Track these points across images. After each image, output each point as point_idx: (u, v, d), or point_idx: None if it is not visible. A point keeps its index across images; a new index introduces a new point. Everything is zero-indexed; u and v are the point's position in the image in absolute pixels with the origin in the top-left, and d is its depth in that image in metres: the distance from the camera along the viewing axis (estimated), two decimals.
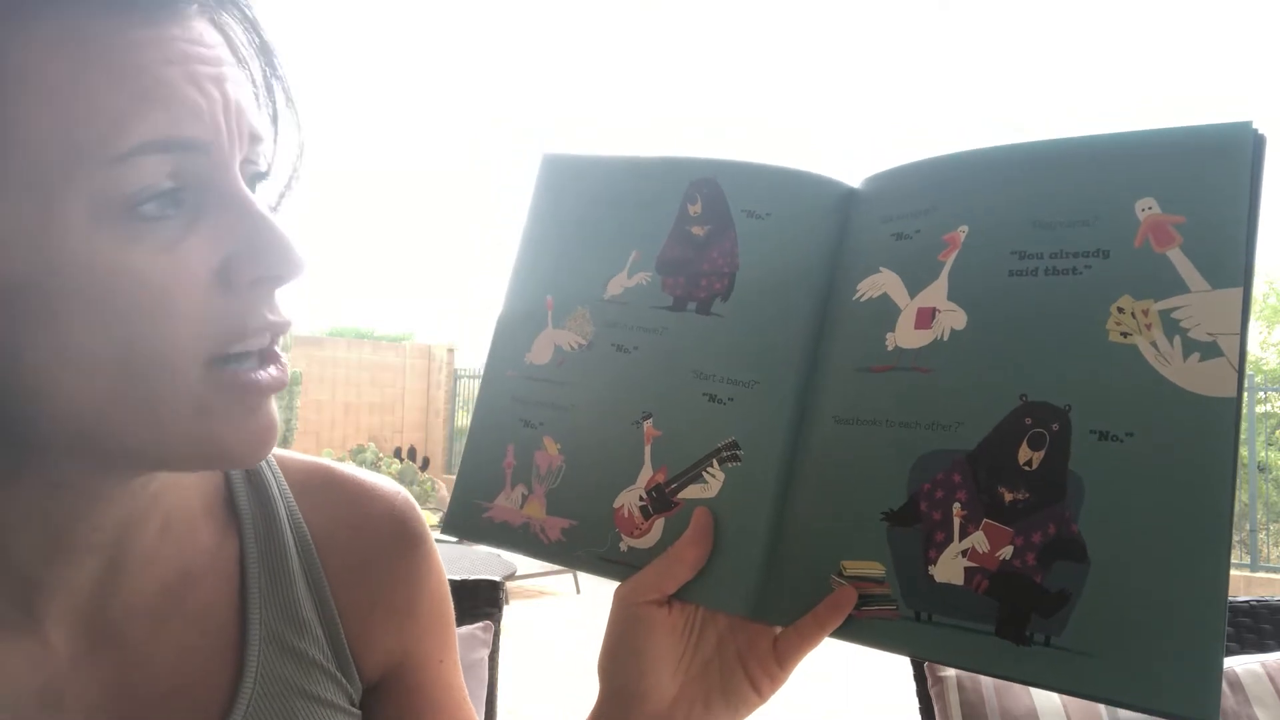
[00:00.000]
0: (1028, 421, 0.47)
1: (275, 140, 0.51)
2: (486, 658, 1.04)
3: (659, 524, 0.57)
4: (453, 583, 1.09)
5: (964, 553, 0.48)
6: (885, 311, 0.53)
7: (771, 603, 0.54)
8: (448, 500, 0.69)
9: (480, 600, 1.07)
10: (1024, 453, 0.47)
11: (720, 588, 0.55)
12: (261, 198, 0.48)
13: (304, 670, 0.56)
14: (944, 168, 0.53)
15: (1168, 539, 0.42)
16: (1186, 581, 0.41)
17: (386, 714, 0.61)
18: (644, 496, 0.58)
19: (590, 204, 0.64)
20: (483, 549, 5.73)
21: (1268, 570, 6.60)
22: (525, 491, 0.62)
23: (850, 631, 0.51)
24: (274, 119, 0.50)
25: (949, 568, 0.48)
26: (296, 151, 0.52)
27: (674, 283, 0.60)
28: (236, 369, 0.45)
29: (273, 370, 0.46)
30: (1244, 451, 6.73)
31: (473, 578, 1.10)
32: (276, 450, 0.61)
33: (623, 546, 0.58)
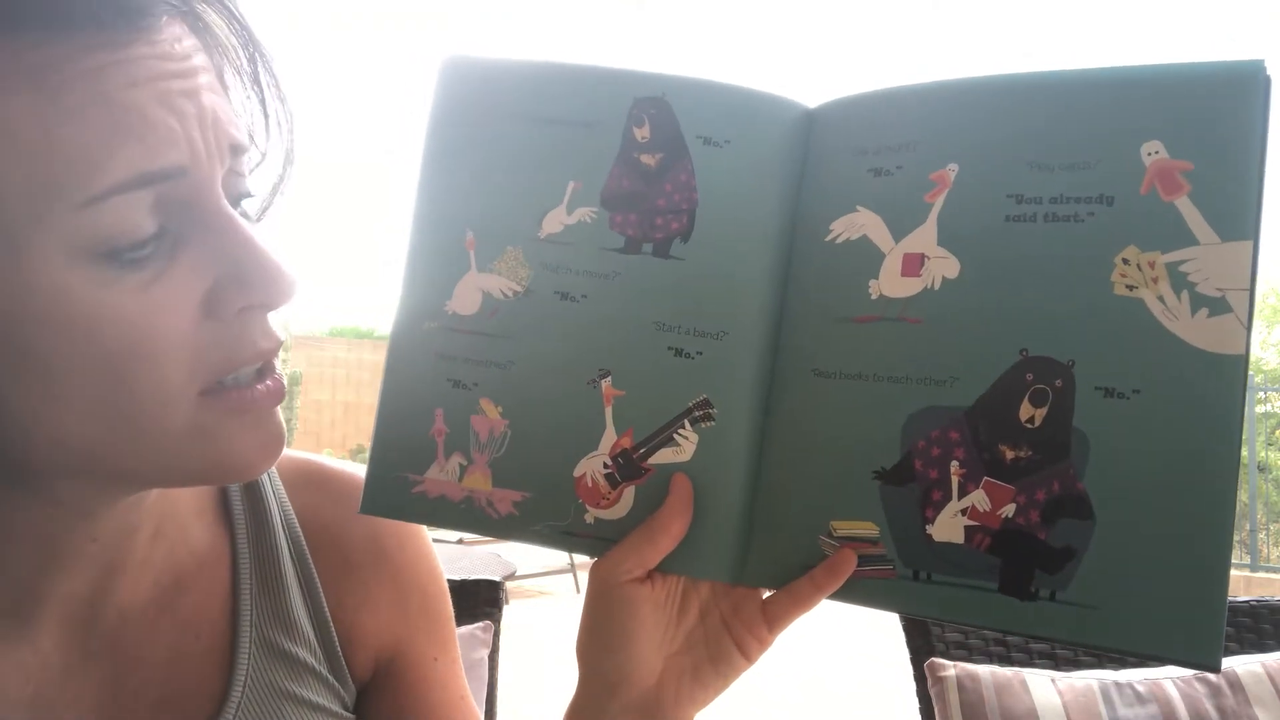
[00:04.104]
0: (1029, 377, 0.46)
1: (267, 130, 0.46)
2: (486, 658, 1.03)
3: (629, 493, 0.52)
4: (452, 583, 1.04)
5: (964, 511, 0.47)
6: (866, 256, 0.50)
7: (756, 566, 0.51)
8: None
9: (480, 600, 1.05)
10: (1025, 410, 0.46)
11: (701, 555, 0.52)
12: (250, 207, 0.45)
13: (295, 674, 0.55)
14: (927, 97, 0.49)
15: (1175, 496, 0.43)
16: (1193, 536, 0.42)
17: (381, 713, 0.59)
18: (609, 463, 0.53)
19: (510, 120, 0.54)
20: (482, 549, 5.55)
21: (1268, 570, 6.41)
22: (463, 461, 0.55)
23: (846, 592, 0.50)
24: (264, 111, 0.46)
25: (948, 527, 0.47)
26: (284, 153, 0.48)
27: (624, 220, 0.53)
28: (232, 390, 0.42)
29: (269, 384, 0.44)
30: (1244, 451, 6.65)
31: (473, 578, 1.08)
32: None
33: (588, 518, 0.53)
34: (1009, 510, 0.46)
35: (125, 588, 0.51)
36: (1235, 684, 1.07)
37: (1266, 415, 7.76)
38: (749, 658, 0.53)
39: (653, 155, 0.53)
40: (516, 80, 0.55)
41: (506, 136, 0.54)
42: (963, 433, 0.47)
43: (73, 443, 0.40)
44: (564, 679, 0.56)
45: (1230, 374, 0.42)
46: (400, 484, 0.55)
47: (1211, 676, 1.07)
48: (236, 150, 0.42)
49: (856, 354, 0.50)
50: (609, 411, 0.53)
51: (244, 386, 0.43)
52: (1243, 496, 6.79)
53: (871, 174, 0.50)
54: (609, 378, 0.53)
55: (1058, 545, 0.45)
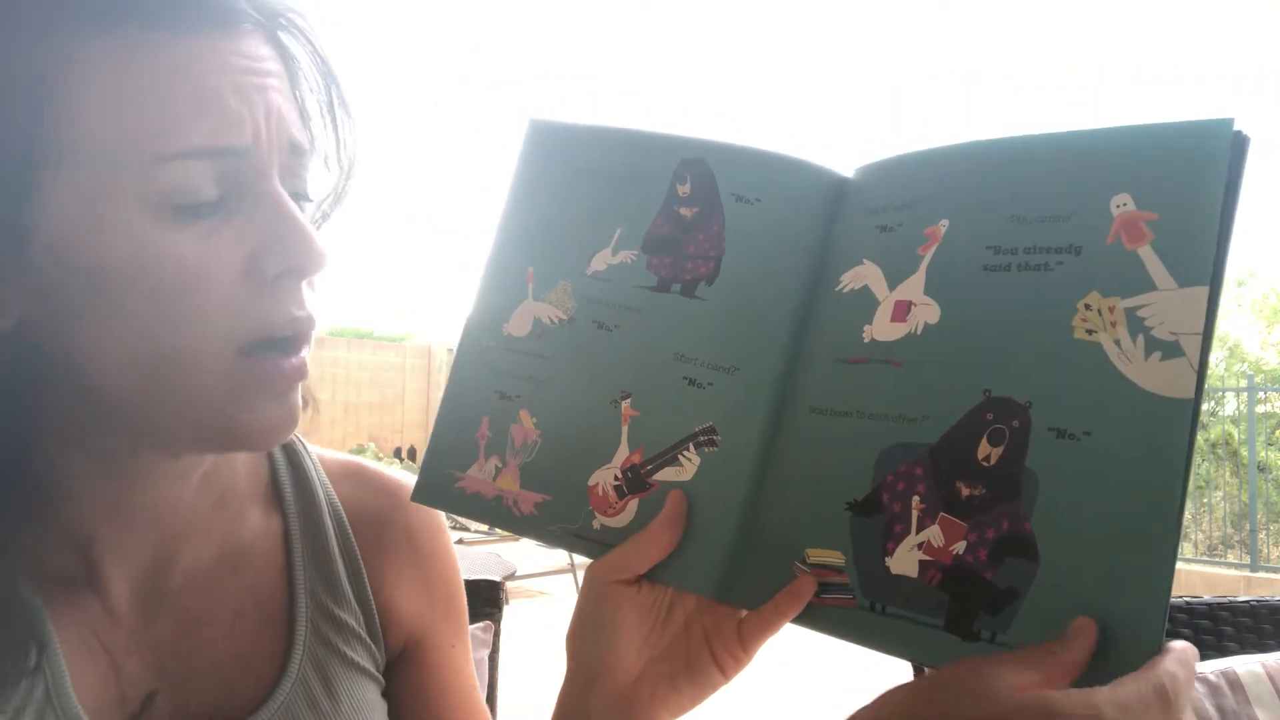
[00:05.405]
0: (989, 417, 0.46)
1: (338, 154, 0.55)
2: (486, 658, 1.04)
3: (633, 504, 0.57)
4: None
5: (920, 545, 0.47)
6: (865, 304, 0.53)
7: (739, 586, 0.54)
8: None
9: (480, 600, 1.07)
10: (983, 448, 0.46)
11: (690, 569, 0.55)
12: (306, 208, 0.52)
13: (342, 636, 0.62)
14: (929, 161, 0.53)
15: (1114, 541, 0.41)
16: (1129, 585, 0.41)
17: (400, 690, 0.65)
18: (619, 476, 0.58)
19: (577, 175, 0.64)
20: (482, 549, 5.82)
21: (1268, 570, 6.38)
22: (499, 464, 0.62)
23: (809, 619, 0.51)
24: (335, 135, 0.55)
25: (905, 560, 0.48)
26: (345, 170, 0.57)
27: (659, 263, 0.60)
28: (263, 357, 0.49)
29: (294, 361, 0.50)
30: (1244, 451, 6.49)
31: (473, 578, 1.08)
32: (313, 447, 0.68)
33: (596, 524, 0.58)
34: (960, 547, 0.46)
35: (189, 553, 0.57)
36: (1235, 684, 0.97)
37: (1266, 415, 7.46)
38: (725, 674, 0.54)
39: (690, 208, 0.60)
40: (586, 141, 0.64)
41: (572, 188, 0.64)
42: (926, 469, 0.48)
43: (113, 383, 0.46)
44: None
45: (1178, 418, 0.41)
46: (446, 479, 0.64)
47: (1211, 676, 0.95)
48: (295, 149, 0.49)
49: (846, 393, 0.52)
50: (625, 430, 0.59)
51: (273, 357, 0.49)
52: (1243, 497, 6.52)
53: (879, 230, 0.54)
54: (629, 399, 0.59)
55: (1002, 586, 0.44)
